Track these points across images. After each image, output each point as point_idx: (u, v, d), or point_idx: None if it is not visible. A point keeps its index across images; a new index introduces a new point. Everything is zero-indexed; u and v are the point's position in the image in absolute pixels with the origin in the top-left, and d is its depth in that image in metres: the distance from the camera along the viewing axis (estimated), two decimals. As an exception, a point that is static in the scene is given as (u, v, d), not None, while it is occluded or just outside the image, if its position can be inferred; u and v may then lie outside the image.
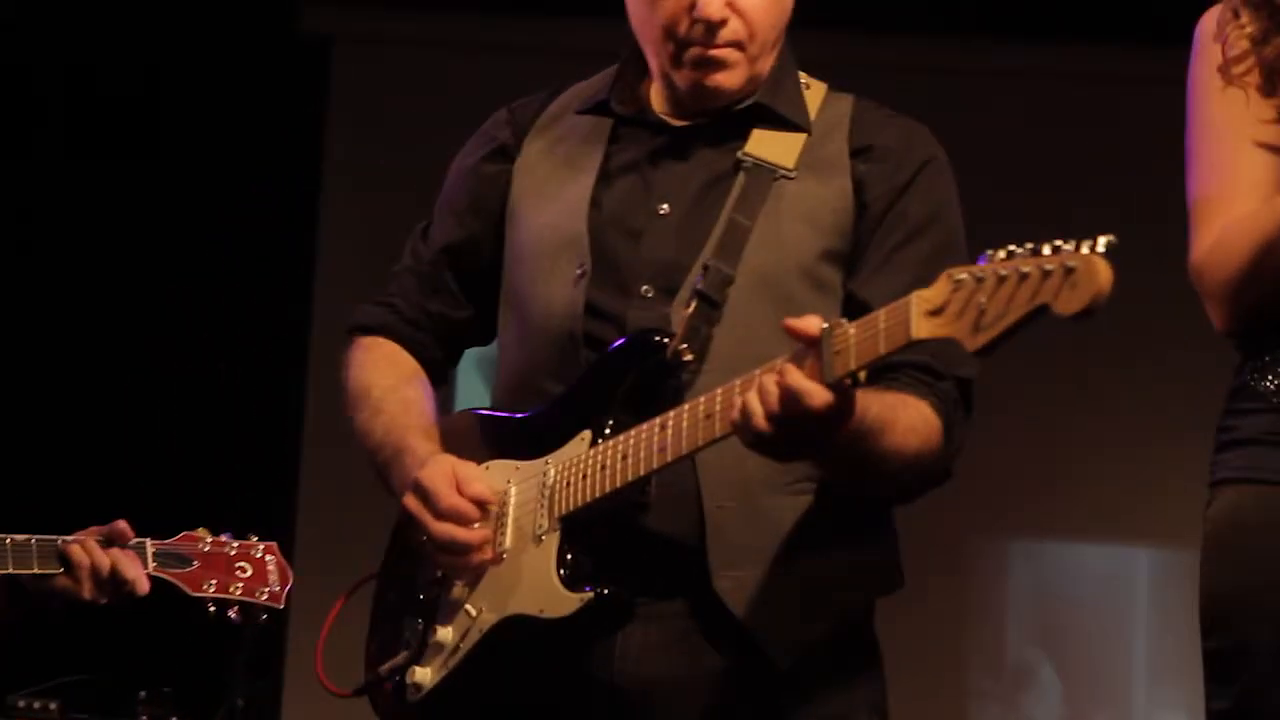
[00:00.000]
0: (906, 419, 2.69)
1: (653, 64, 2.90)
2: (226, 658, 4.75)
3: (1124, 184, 6.04)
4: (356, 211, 6.16)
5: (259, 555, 3.17)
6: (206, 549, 3.14)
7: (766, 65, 2.87)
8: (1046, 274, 2.31)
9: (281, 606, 3.17)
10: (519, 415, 2.85)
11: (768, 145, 2.85)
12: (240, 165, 5.99)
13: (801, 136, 2.86)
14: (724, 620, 2.72)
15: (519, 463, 2.80)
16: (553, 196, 2.90)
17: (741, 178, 2.83)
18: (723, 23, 2.79)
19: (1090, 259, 2.29)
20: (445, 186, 3.05)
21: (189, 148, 5.99)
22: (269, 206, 6.03)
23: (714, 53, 2.81)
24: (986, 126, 5.97)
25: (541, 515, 2.75)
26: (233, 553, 3.15)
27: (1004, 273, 2.34)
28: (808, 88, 2.93)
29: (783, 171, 2.83)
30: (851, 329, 2.47)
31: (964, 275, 2.38)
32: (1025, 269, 2.32)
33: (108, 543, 3.06)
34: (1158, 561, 6.24)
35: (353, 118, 6.31)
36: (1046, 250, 2.33)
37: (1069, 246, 2.31)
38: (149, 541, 3.13)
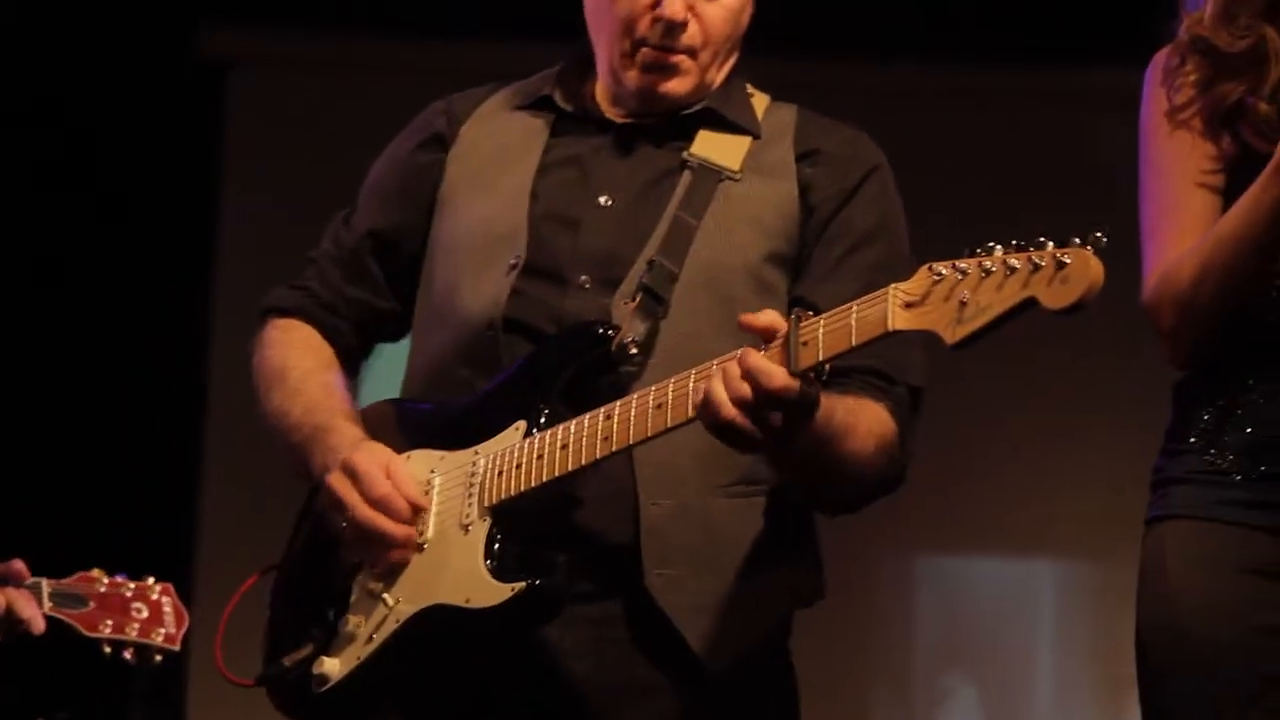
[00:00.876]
0: (867, 423, 2.69)
1: (602, 60, 2.89)
2: (125, 686, 4.72)
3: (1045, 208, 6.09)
4: (254, 236, 6.12)
5: (155, 597, 3.16)
6: (103, 589, 3.13)
7: (716, 76, 2.89)
8: (1036, 267, 2.30)
9: (177, 649, 3.16)
10: (443, 403, 2.81)
11: (713, 147, 2.86)
12: (136, 190, 5.94)
13: (747, 140, 2.87)
14: (654, 621, 2.70)
15: (444, 452, 2.76)
16: (489, 187, 2.88)
17: (687, 176, 2.83)
18: (683, 25, 2.81)
19: (1083, 254, 2.28)
20: (373, 172, 3.02)
21: (84, 172, 5.94)
22: (165, 232, 5.99)
23: (669, 58, 2.82)
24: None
25: (469, 505, 2.70)
26: (129, 594, 3.15)
27: (990, 266, 2.33)
28: (752, 96, 2.94)
29: (728, 173, 2.84)
30: (821, 320, 2.45)
31: (945, 269, 2.37)
32: (1014, 262, 2.31)
33: (2, 582, 3.04)
34: (1060, 574, 6.26)
35: (250, 142, 6.27)
36: (1037, 247, 2.31)
37: (1057, 247, 2.30)
38: (45, 581, 3.11)
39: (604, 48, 2.87)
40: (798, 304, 2.74)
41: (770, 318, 2.50)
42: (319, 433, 2.80)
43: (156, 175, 5.97)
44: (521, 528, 2.68)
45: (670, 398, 2.56)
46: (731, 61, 2.91)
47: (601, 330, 2.72)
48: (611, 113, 2.90)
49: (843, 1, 5.69)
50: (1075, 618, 6.10)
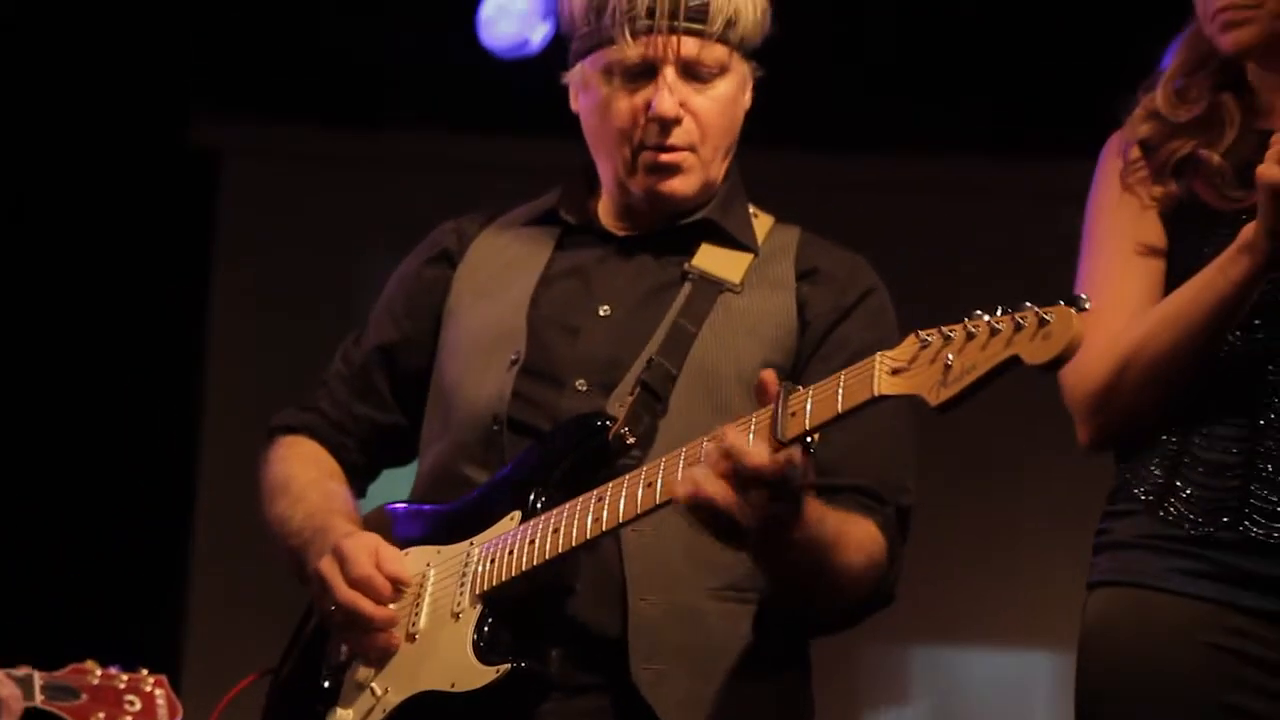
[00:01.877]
0: (858, 537, 2.70)
1: (606, 175, 2.93)
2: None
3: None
4: (244, 324, 6.12)
5: (148, 689, 3.15)
6: (95, 681, 3.11)
7: (718, 173, 2.92)
8: (1019, 326, 2.32)
9: None
10: (443, 503, 2.83)
11: (715, 260, 2.89)
12: (127, 278, 5.94)
13: (749, 256, 2.90)
14: (641, 715, 2.69)
15: (440, 547, 2.78)
16: (493, 296, 2.92)
17: (687, 287, 2.86)
18: (677, 121, 2.84)
19: (1065, 311, 2.30)
20: (384, 292, 3.07)
21: (75, 260, 5.94)
22: (155, 321, 5.99)
23: (667, 158, 2.85)
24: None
25: (461, 594, 2.71)
26: (121, 686, 3.13)
27: (974, 329, 2.35)
28: (756, 217, 2.97)
29: (729, 285, 2.87)
30: (809, 391, 2.47)
31: (931, 335, 2.39)
32: (998, 324, 2.34)
33: None
34: (1057, 667, 6.24)
35: (240, 231, 6.28)
36: (1019, 309, 2.34)
37: (1039, 306, 2.32)
38: (36, 674, 3.09)
39: (606, 162, 2.92)
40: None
41: (772, 377, 2.52)
42: (317, 533, 2.84)
43: (147, 264, 5.97)
44: (512, 614, 2.69)
45: (661, 476, 2.58)
46: (730, 158, 2.94)
47: (599, 422, 2.75)
48: (615, 226, 2.94)
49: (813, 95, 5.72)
50: (1070, 710, 6.07)
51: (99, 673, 3.13)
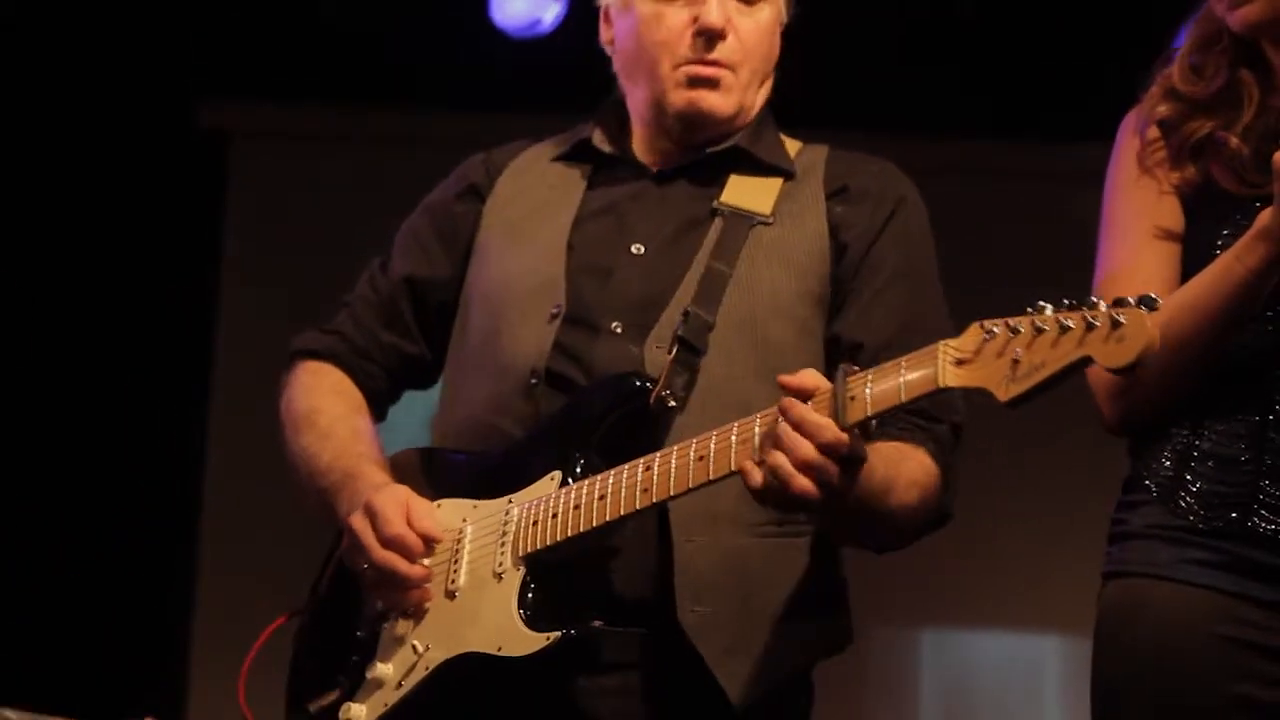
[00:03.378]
0: (909, 473, 2.69)
1: (640, 100, 2.94)
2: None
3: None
4: (254, 309, 6.12)
5: None
6: None
7: (753, 100, 2.94)
8: (1091, 326, 2.28)
9: None
10: (476, 453, 2.82)
11: (745, 192, 2.90)
12: (136, 262, 5.95)
13: (779, 181, 2.91)
14: (685, 661, 2.68)
15: (476, 501, 2.76)
16: (528, 238, 2.91)
17: (719, 223, 2.86)
18: (722, 35, 2.86)
19: (1137, 314, 2.27)
20: (410, 221, 3.06)
21: (85, 244, 5.94)
22: (164, 305, 5.99)
23: (709, 71, 2.87)
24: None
25: (502, 554, 2.69)
26: None
27: (1042, 325, 2.32)
28: (785, 141, 2.98)
29: (760, 218, 2.87)
30: (869, 375, 2.44)
31: (997, 326, 2.35)
32: (1068, 321, 2.30)
33: None
34: (1066, 649, 6.23)
35: (249, 213, 6.28)
36: (1089, 306, 2.30)
37: (1110, 307, 2.29)
38: None
39: (643, 81, 2.92)
40: (834, 343, 2.79)
41: (808, 378, 2.49)
42: (347, 479, 2.81)
43: (156, 247, 5.97)
44: (555, 576, 2.67)
45: (712, 450, 2.55)
46: (766, 90, 2.97)
47: (639, 383, 2.73)
48: (648, 158, 2.95)
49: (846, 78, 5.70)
50: (1080, 694, 6.07)
51: None
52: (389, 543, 2.70)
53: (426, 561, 2.71)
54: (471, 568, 2.71)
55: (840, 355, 2.73)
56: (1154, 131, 2.87)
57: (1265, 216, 2.68)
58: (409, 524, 2.70)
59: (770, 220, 2.87)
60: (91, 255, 5.95)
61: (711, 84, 2.88)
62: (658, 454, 2.60)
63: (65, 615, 5.72)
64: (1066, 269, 5.67)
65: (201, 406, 6.15)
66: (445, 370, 2.95)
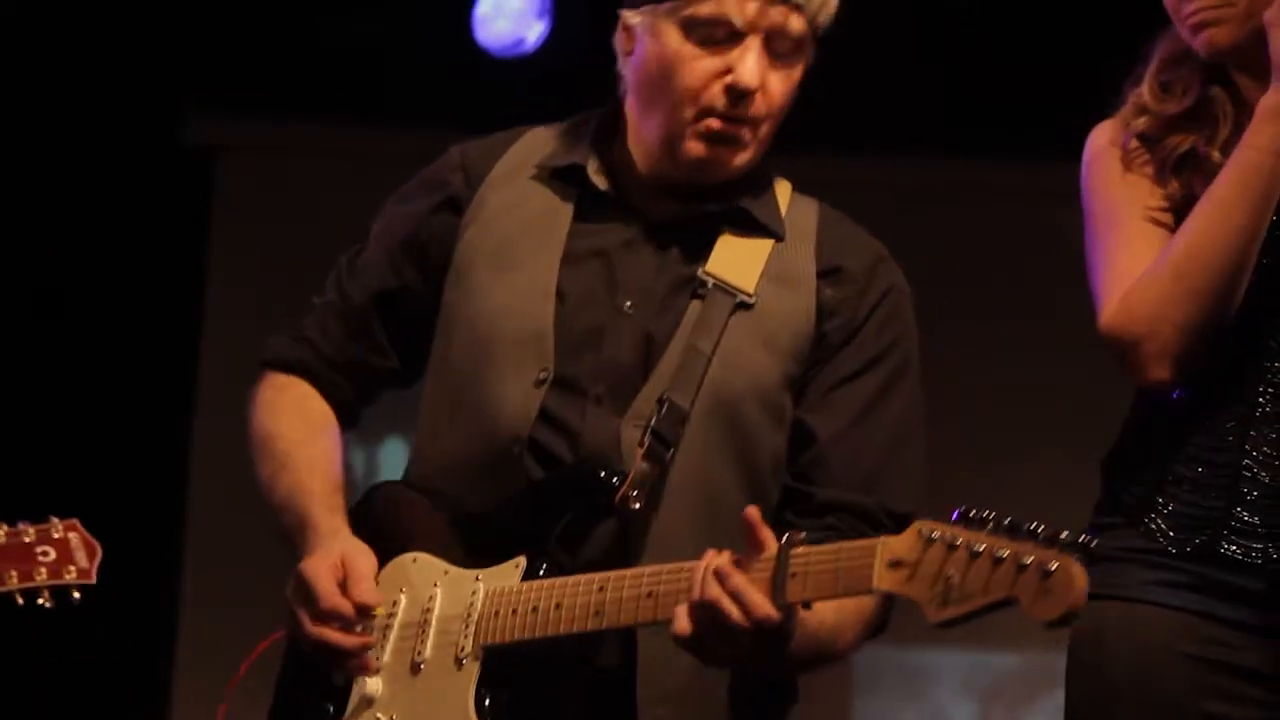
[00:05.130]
0: (859, 610, 2.67)
1: (652, 130, 2.80)
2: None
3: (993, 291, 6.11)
4: (239, 324, 6.11)
5: (59, 535, 2.99)
6: (2, 541, 2.95)
7: (763, 152, 2.83)
8: (1022, 568, 2.26)
9: (94, 581, 2.99)
10: (452, 509, 2.77)
11: (735, 258, 2.80)
12: (122, 277, 5.95)
13: (769, 244, 2.82)
14: None
15: (449, 566, 2.73)
16: (514, 270, 2.81)
17: (705, 293, 2.77)
18: (754, 95, 2.74)
19: (1067, 565, 2.25)
20: (383, 222, 2.94)
21: (70, 259, 5.94)
22: (150, 320, 5.98)
23: (733, 129, 2.75)
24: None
25: (465, 637, 2.67)
26: (31, 539, 2.97)
27: (978, 548, 2.30)
28: (777, 181, 2.90)
29: (743, 296, 2.77)
30: (811, 555, 2.44)
31: (936, 535, 2.33)
32: (1001, 553, 2.28)
33: None
34: (1039, 668, 6.23)
35: (235, 229, 6.27)
36: (1024, 537, 2.28)
37: (1045, 545, 2.26)
38: None
39: (659, 117, 2.78)
40: (798, 426, 2.76)
41: (766, 534, 2.48)
42: (299, 526, 2.77)
43: (141, 263, 5.96)
44: (514, 672, 2.66)
45: (660, 590, 2.54)
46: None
47: (605, 476, 2.70)
48: (642, 196, 2.82)
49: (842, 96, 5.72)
50: (1053, 706, 6.08)
51: (4, 531, 2.95)
52: (321, 617, 2.65)
53: (381, 610, 2.69)
54: (438, 641, 2.69)
55: (799, 443, 2.74)
56: (1135, 142, 2.87)
57: (1269, 97, 2.70)
58: (345, 593, 2.66)
59: (753, 300, 2.77)
60: (77, 270, 5.94)
61: (731, 142, 2.76)
62: (612, 576, 2.60)
63: (46, 637, 5.71)
64: (1045, 287, 5.75)
65: (186, 423, 6.14)
66: (426, 389, 2.88)
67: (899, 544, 2.36)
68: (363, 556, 2.70)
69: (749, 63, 2.72)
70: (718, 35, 2.73)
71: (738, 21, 2.71)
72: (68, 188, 5.92)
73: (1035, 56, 5.64)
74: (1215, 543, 2.77)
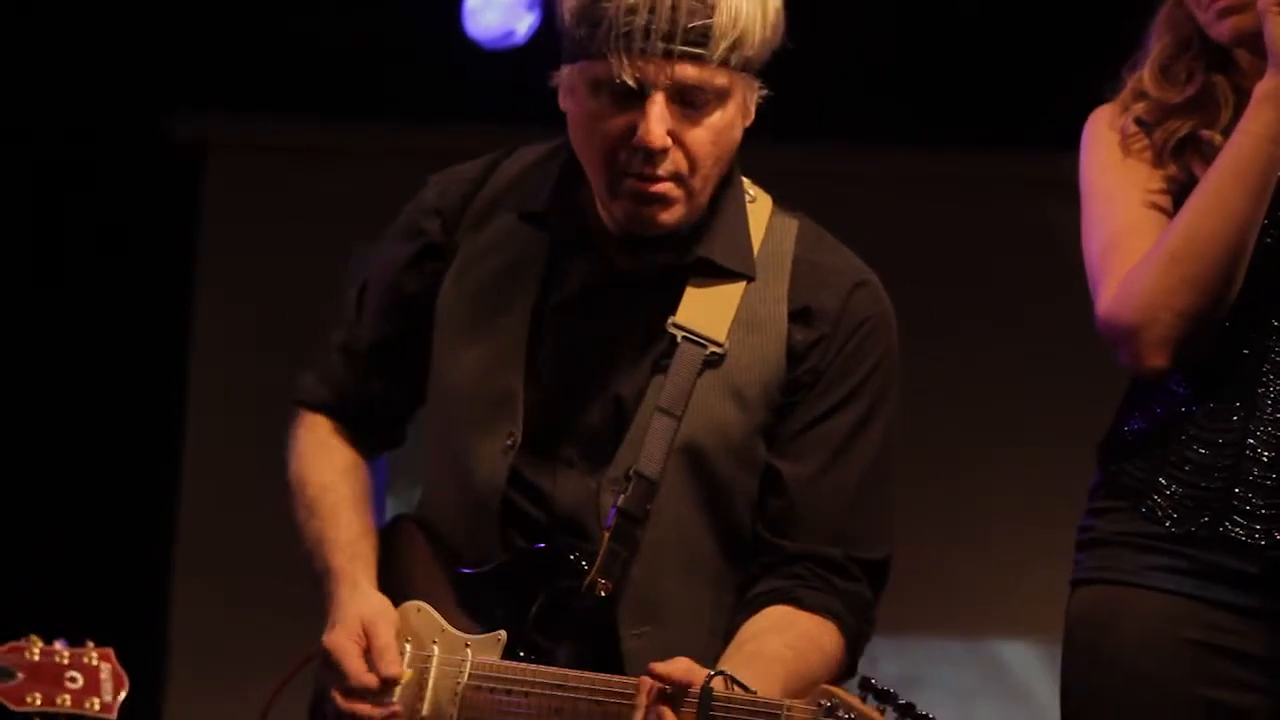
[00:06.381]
0: (812, 676, 2.66)
1: (592, 186, 2.76)
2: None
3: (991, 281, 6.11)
4: (229, 322, 6.11)
5: (92, 663, 2.98)
6: (35, 658, 2.93)
7: (709, 194, 2.75)
8: None
9: (114, 717, 2.97)
10: (451, 563, 2.81)
11: (703, 307, 2.76)
12: (111, 274, 5.94)
13: (740, 287, 2.77)
14: None
15: (445, 625, 2.76)
16: (484, 325, 2.81)
17: (673, 350, 2.75)
18: (663, 152, 2.66)
19: None
20: (374, 272, 2.93)
21: (58, 257, 5.93)
22: (139, 318, 5.97)
23: (652, 188, 2.68)
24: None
25: (454, 706, 2.72)
26: (63, 661, 2.95)
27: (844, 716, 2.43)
28: (753, 201, 2.83)
29: (713, 348, 2.74)
30: (732, 704, 2.50)
31: (834, 705, 2.45)
32: None
33: None
34: (1036, 656, 6.23)
35: (225, 226, 6.26)
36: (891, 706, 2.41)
37: None
38: None
39: (592, 175, 2.75)
40: (768, 471, 2.76)
41: (680, 671, 2.54)
42: (324, 574, 2.81)
43: (131, 260, 5.96)
44: None
45: (609, 701, 2.60)
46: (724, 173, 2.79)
47: (574, 559, 2.72)
48: (610, 244, 2.78)
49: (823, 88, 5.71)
50: (1048, 702, 6.08)
51: (39, 649, 2.94)
52: (352, 694, 2.70)
53: (408, 675, 2.75)
54: (433, 704, 2.74)
55: (770, 487, 2.75)
56: (1132, 126, 2.86)
57: (1265, 83, 2.70)
58: (370, 664, 2.71)
59: (724, 350, 2.74)
60: (65, 268, 5.94)
61: (657, 200, 2.69)
62: (572, 676, 2.64)
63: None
64: (1036, 277, 5.75)
65: (176, 423, 6.13)
66: (429, 428, 2.91)
67: (801, 712, 2.46)
68: (383, 622, 2.74)
69: (650, 124, 2.64)
70: (623, 93, 2.65)
71: (631, 82, 2.64)
72: (56, 184, 5.92)
73: (1033, 54, 5.63)
74: (1219, 523, 2.77)
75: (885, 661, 6.28)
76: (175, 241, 6.14)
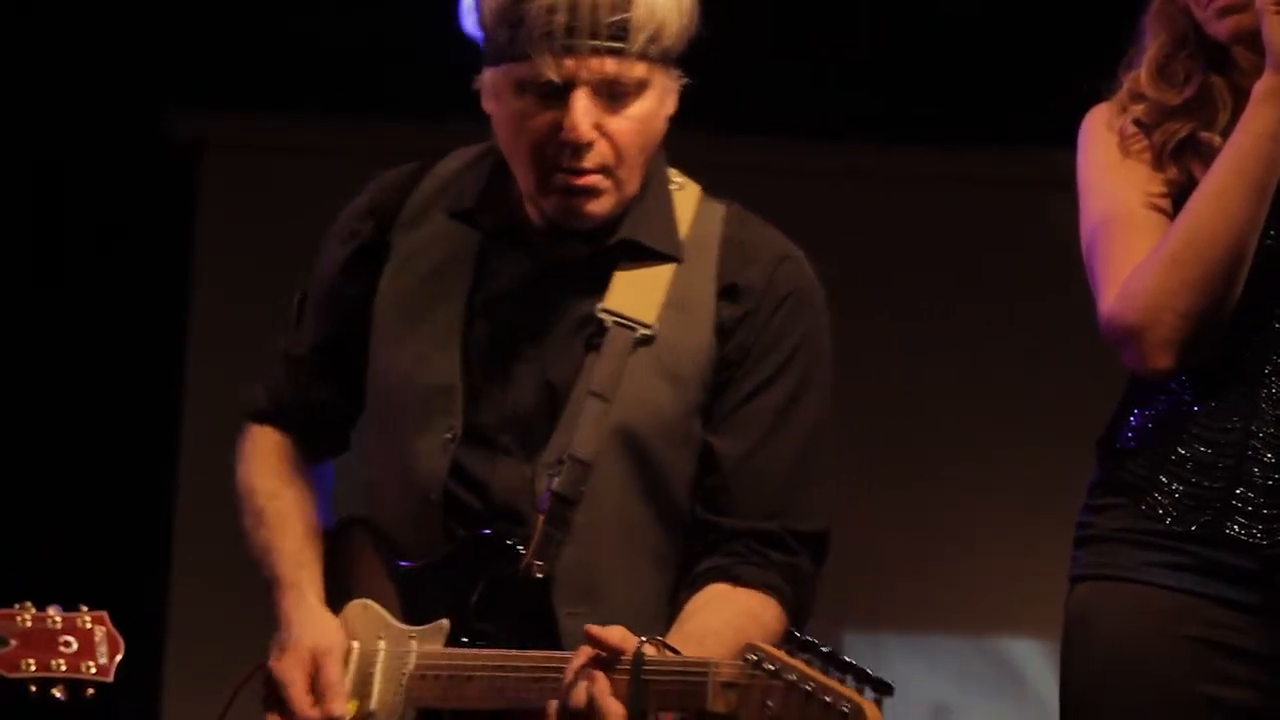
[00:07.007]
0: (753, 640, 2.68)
1: (521, 184, 2.83)
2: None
3: (991, 280, 6.11)
4: (225, 321, 6.11)
5: (86, 627, 2.95)
6: (28, 625, 2.91)
7: (637, 186, 2.82)
8: (826, 706, 2.39)
9: (110, 680, 2.94)
10: (395, 558, 2.85)
11: (632, 290, 2.82)
12: (107, 273, 5.94)
13: (669, 269, 2.83)
14: None
15: (390, 621, 2.82)
16: (419, 321, 2.87)
17: (603, 334, 2.80)
18: (590, 145, 2.74)
19: (862, 710, 2.37)
20: (317, 266, 3.01)
21: (54, 257, 5.93)
22: (136, 318, 5.97)
23: (580, 181, 2.76)
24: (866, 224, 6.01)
25: (399, 697, 2.77)
26: (56, 626, 2.94)
27: (792, 678, 2.42)
28: (681, 189, 2.90)
29: (643, 330, 2.80)
30: (662, 668, 2.54)
31: (759, 657, 2.47)
32: (809, 686, 2.41)
33: None
34: (1035, 653, 6.24)
35: (221, 225, 6.26)
36: (836, 672, 2.41)
37: (848, 687, 2.39)
38: None
39: (520, 173, 2.81)
40: (707, 449, 2.80)
41: (615, 637, 2.57)
42: (273, 583, 2.89)
43: (127, 260, 5.96)
44: None
45: (546, 678, 2.64)
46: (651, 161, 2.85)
47: (510, 545, 2.77)
48: (540, 236, 2.85)
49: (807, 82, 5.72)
50: (1049, 698, 6.08)
51: (31, 615, 2.92)
52: None
53: (352, 707, 2.79)
54: (381, 698, 2.79)
55: (709, 465, 2.79)
56: (1131, 126, 2.86)
57: (1263, 82, 2.70)
58: (316, 699, 2.77)
59: (654, 332, 2.80)
60: (61, 266, 5.94)
61: (586, 192, 2.77)
62: (512, 655, 2.69)
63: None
64: (1035, 275, 5.75)
65: (173, 421, 6.13)
66: (367, 430, 2.96)
67: (730, 668, 2.48)
68: (334, 656, 2.80)
69: (576, 117, 2.72)
70: (547, 91, 2.73)
71: (556, 79, 2.71)
72: (51, 184, 5.91)
73: (1031, 52, 5.63)
74: (1220, 522, 2.77)
75: (891, 659, 6.29)
76: (171, 240, 6.14)
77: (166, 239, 6.12)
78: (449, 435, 2.82)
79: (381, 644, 2.81)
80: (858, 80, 5.80)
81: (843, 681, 2.39)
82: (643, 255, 2.83)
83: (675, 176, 2.91)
